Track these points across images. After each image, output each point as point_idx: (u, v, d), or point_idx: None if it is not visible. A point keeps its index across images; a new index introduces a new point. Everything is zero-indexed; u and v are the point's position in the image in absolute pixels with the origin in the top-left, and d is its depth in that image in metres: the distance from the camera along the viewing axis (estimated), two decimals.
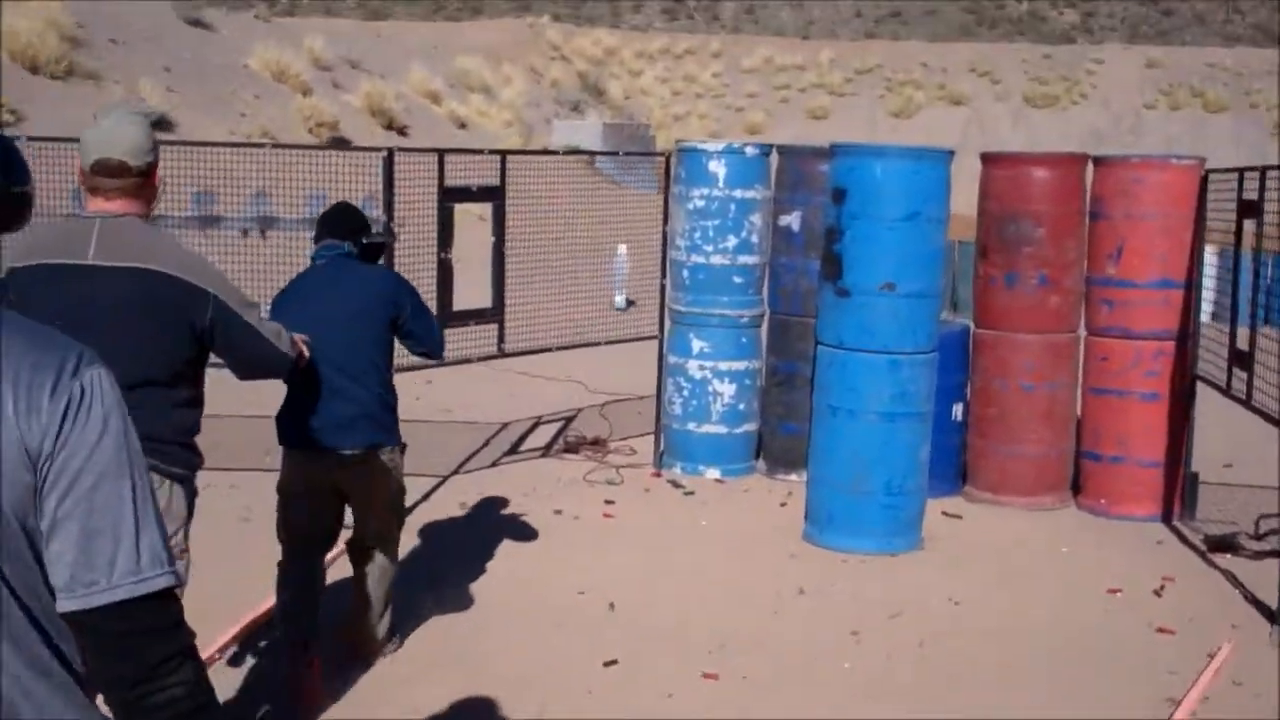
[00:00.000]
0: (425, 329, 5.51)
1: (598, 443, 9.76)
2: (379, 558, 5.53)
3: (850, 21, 72.19)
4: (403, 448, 5.46)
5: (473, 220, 9.40)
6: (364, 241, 5.50)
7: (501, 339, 8.10)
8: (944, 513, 8.19)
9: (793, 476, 8.59)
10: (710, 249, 8.80)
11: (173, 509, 3.81)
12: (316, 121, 25.68)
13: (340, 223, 5.49)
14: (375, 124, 28.26)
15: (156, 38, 25.63)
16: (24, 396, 1.83)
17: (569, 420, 10.66)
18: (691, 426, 8.95)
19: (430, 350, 5.72)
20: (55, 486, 1.85)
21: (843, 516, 7.35)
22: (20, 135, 7.63)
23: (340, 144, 23.68)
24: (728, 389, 8.87)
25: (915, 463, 7.35)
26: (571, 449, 9.61)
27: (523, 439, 10.04)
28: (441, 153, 7.60)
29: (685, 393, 8.94)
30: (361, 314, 5.23)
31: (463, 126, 32.05)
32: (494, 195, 7.87)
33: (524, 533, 7.56)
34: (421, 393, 11.20)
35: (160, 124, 21.06)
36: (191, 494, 4.00)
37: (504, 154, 7.97)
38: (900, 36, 57.57)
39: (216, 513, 6.57)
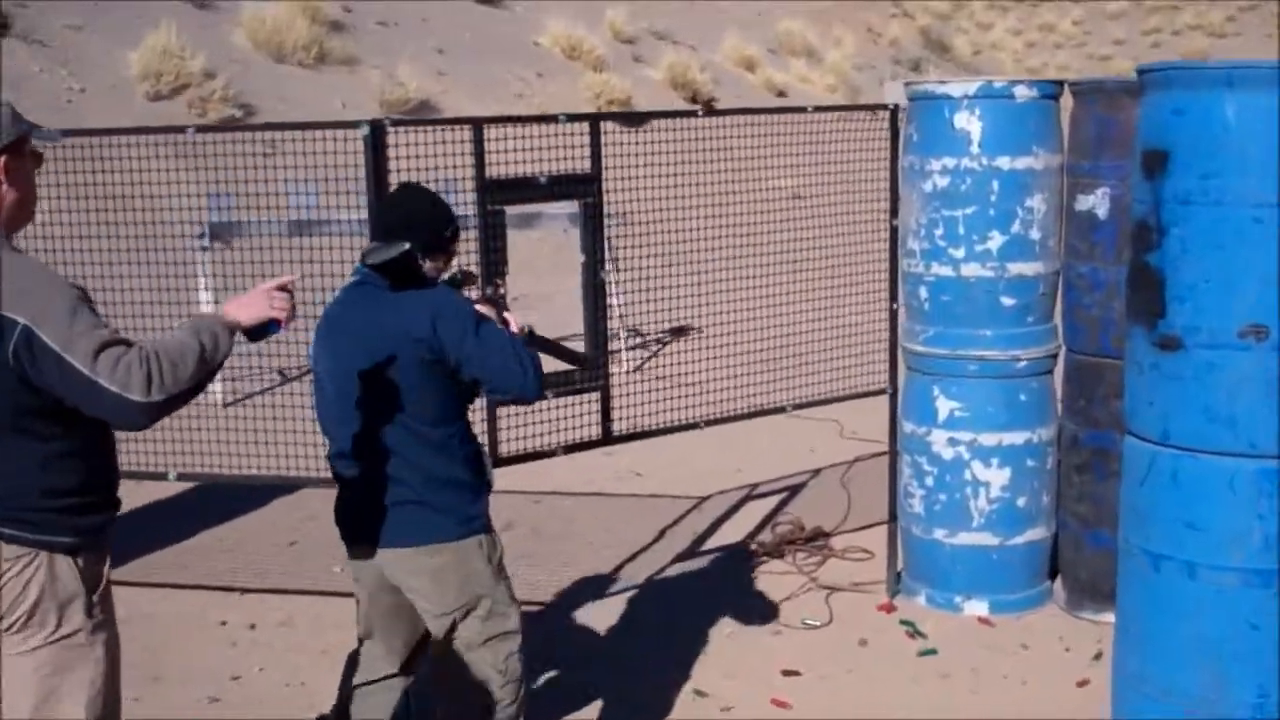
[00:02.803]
0: (496, 366, 3.64)
1: (816, 539, 6.61)
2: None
3: None
4: (490, 548, 3.81)
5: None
6: (368, 264, 3.70)
7: (606, 415, 5.05)
8: None
9: (1106, 617, 5.23)
10: (961, 252, 5.51)
11: (55, 586, 3.09)
12: (606, 99, 23.23)
13: (383, 220, 3.87)
14: (677, 98, 25.64)
15: (433, 18, 23.73)
16: None
17: (794, 491, 7.55)
18: (940, 534, 5.69)
19: (517, 394, 3.81)
20: None
21: None
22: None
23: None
24: (997, 476, 5.56)
25: None
26: (774, 551, 6.50)
27: (715, 527, 7.00)
28: (479, 123, 4.62)
29: (929, 481, 5.68)
30: (378, 365, 3.61)
31: (780, 94, 29.13)
32: (580, 188, 4.84)
33: None
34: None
35: (423, 107, 19.07)
36: (94, 561, 3.18)
37: (595, 119, 4.91)
38: None
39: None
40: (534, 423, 4.99)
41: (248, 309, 3.16)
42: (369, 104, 18.53)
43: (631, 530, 6.96)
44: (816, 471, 7.93)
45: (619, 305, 11.19)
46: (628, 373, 10.32)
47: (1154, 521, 3.96)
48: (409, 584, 3.75)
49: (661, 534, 6.89)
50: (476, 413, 4.71)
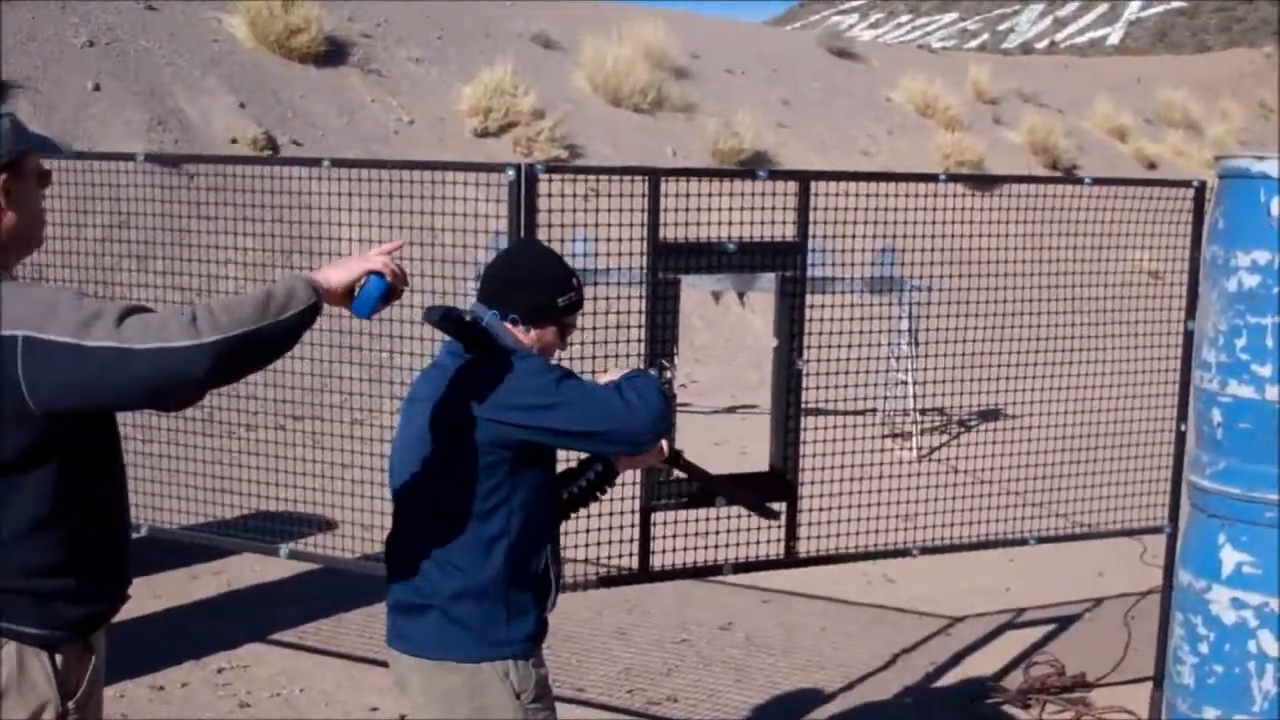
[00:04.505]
0: (589, 415, 2.97)
1: (1074, 689, 5.57)
2: None
3: None
4: (520, 684, 3.06)
5: None
6: (426, 321, 3.18)
7: (792, 532, 4.22)
8: None
9: None
10: (1268, 370, 4.40)
11: (23, 685, 2.59)
12: (956, 160, 22.19)
13: (485, 279, 3.23)
14: (1036, 163, 24.31)
15: (784, 68, 23.26)
16: None
17: (1064, 624, 6.48)
18: (1211, 715, 4.56)
19: (624, 436, 3.01)
20: None
21: None
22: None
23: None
24: None
25: None
26: (1019, 699, 5.49)
27: (959, 658, 6.03)
28: (655, 175, 3.90)
29: (1204, 647, 4.57)
30: (439, 443, 3.06)
31: (1151, 167, 27.36)
32: (779, 259, 4.05)
33: None
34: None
35: (758, 159, 18.54)
36: (78, 659, 2.69)
37: (805, 179, 4.11)
38: None
39: None
40: (703, 532, 4.21)
41: (339, 267, 2.66)
42: (701, 153, 18.20)
43: (862, 649, 6.07)
44: (1098, 601, 6.82)
45: (912, 384, 10.31)
46: (912, 461, 9.43)
47: None
48: (417, 700, 3.15)
49: (894, 659, 5.98)
50: (624, 515, 4.03)
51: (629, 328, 3.96)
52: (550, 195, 3.91)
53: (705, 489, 3.95)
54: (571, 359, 3.36)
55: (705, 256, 4.00)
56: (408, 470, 3.13)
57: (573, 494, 3.38)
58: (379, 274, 2.66)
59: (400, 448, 3.19)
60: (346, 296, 2.66)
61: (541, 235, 4.04)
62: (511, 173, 3.79)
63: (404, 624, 3.13)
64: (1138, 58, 51.25)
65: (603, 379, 3.22)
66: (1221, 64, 40.20)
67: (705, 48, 22.15)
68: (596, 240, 3.95)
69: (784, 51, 24.93)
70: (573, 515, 3.46)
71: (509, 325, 3.12)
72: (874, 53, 27.85)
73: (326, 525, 5.52)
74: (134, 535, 4.93)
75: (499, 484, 3.02)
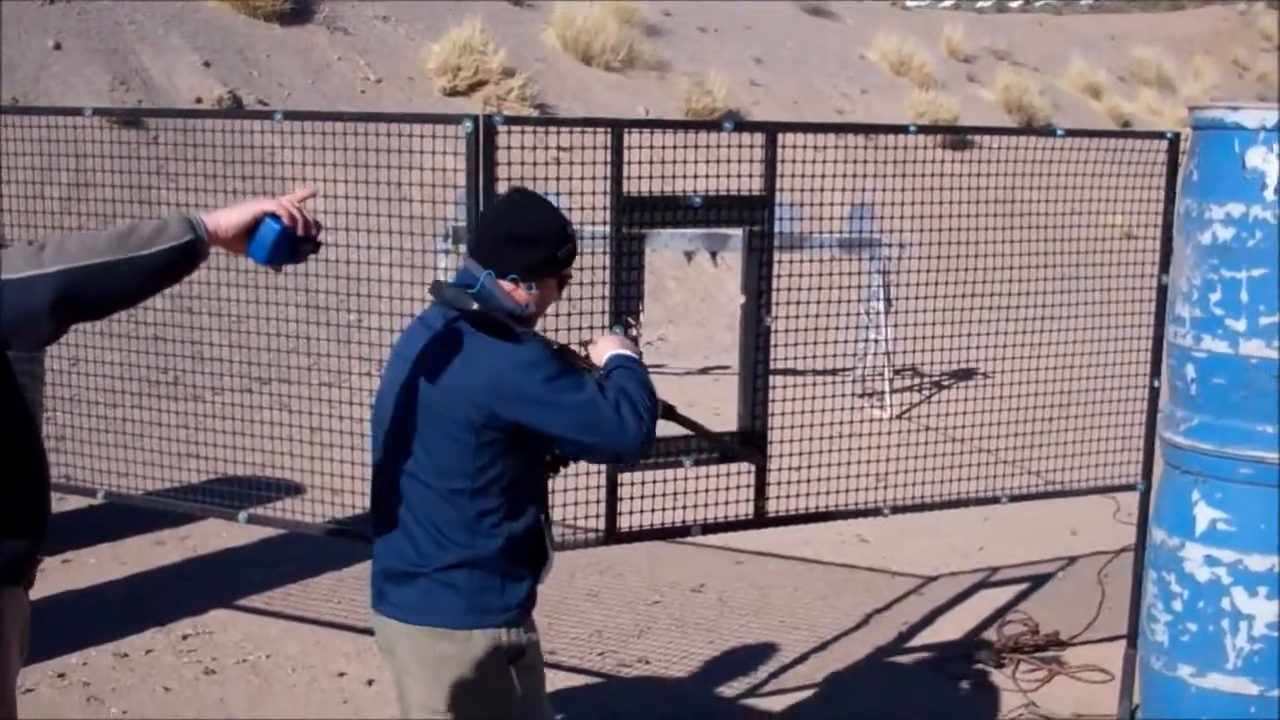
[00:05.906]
0: (579, 422, 2.94)
1: (1047, 647, 5.55)
2: None
3: None
4: (512, 651, 3.03)
5: None
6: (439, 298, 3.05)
7: (761, 493, 4.16)
8: None
9: None
10: (1242, 325, 4.35)
11: None
12: (931, 119, 22.12)
13: (484, 232, 3.15)
14: (1010, 121, 24.24)
15: (757, 25, 23.09)
16: None
17: (1038, 583, 6.45)
18: (1185, 673, 4.54)
19: (611, 450, 3.05)
20: None
21: None
22: None
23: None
24: (1264, 609, 4.37)
25: None
26: (993, 658, 5.46)
27: (932, 618, 5.99)
28: (618, 126, 3.80)
29: (1178, 605, 4.54)
30: (429, 415, 2.96)
31: (1125, 124, 27.33)
32: (745, 214, 3.97)
33: None
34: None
35: (729, 118, 18.45)
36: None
37: (772, 130, 4.03)
38: None
39: None
40: (672, 493, 4.15)
41: (232, 209, 2.50)
42: (673, 112, 18.02)
43: (834, 610, 6.03)
44: (1072, 560, 6.78)
45: (887, 342, 10.25)
46: (889, 419, 9.39)
47: None
48: (408, 666, 3.09)
49: (867, 619, 5.94)
50: (591, 475, 3.96)
51: (593, 284, 3.87)
52: (511, 149, 3.82)
53: (698, 439, 3.91)
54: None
55: (670, 211, 3.91)
56: (396, 435, 3.03)
57: (555, 455, 3.29)
58: (275, 216, 2.52)
59: (387, 409, 3.08)
60: (241, 241, 2.51)
61: (502, 190, 3.95)
62: (469, 124, 3.69)
63: (390, 589, 3.08)
64: (1112, 15, 51.12)
65: (594, 351, 3.14)
66: (1195, 21, 40.09)
67: (677, 5, 21.96)
68: (558, 195, 3.86)
69: (757, 9, 24.72)
70: (556, 474, 3.39)
71: (508, 284, 3.02)
72: (848, 10, 27.64)
73: (294, 489, 5.42)
74: (93, 501, 4.88)
75: (492, 461, 2.96)
